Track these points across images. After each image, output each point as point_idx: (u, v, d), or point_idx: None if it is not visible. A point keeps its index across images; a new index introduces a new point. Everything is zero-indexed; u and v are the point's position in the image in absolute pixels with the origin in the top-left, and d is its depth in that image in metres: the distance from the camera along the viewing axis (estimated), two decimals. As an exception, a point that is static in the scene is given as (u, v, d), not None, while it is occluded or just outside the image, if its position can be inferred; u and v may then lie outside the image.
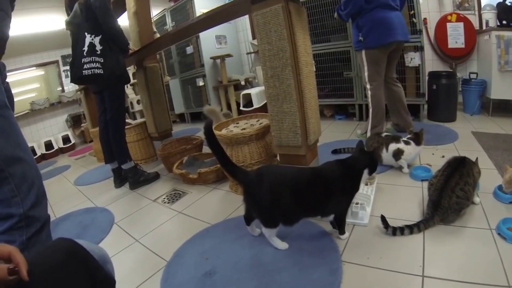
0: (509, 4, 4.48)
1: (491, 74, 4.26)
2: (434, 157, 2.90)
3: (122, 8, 3.95)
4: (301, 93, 1.97)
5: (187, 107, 6.42)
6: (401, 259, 1.60)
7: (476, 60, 4.95)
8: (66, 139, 7.06)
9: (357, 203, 1.97)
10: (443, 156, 2.91)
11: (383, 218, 1.78)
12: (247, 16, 6.37)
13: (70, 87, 7.27)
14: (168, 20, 6.25)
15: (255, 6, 1.92)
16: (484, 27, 4.71)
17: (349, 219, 1.91)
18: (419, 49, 4.03)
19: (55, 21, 5.43)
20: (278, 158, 2.42)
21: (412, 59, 4.06)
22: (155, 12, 6.31)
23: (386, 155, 2.66)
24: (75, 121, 7.37)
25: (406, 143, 2.60)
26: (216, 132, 2.44)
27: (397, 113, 3.65)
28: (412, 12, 3.99)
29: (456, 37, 4.81)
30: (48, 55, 7.06)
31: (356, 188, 1.74)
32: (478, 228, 1.78)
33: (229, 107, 5.49)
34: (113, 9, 2.98)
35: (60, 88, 7.43)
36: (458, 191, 1.77)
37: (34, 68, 6.93)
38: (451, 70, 4.56)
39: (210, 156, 3.24)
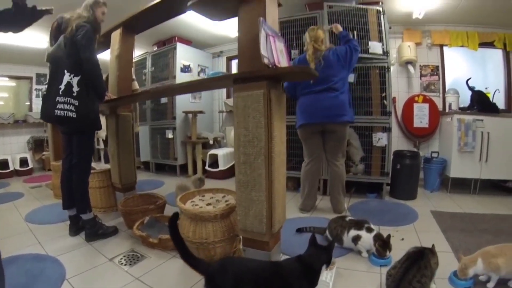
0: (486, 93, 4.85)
1: (451, 154, 4.53)
2: (394, 240, 2.88)
3: (106, 45, 3.92)
4: (271, 183, 1.96)
5: (153, 156, 6.28)
6: None
7: (438, 139, 5.27)
8: (23, 162, 6.65)
9: None
10: (402, 239, 2.96)
11: None
12: None
13: (39, 107, 7.06)
14: (148, 63, 6.28)
15: (236, 86, 1.96)
16: (447, 109, 5.04)
17: None
18: (387, 130, 4.20)
19: (37, 38, 5.29)
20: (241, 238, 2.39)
21: (379, 139, 4.21)
22: (137, 53, 6.41)
23: (347, 239, 2.67)
24: (37, 145, 7.05)
25: (368, 230, 2.61)
26: (181, 206, 2.41)
27: (331, 193, 3.70)
28: (384, 94, 4.21)
29: (421, 117, 5.12)
30: (24, 69, 6.93)
31: (315, 284, 1.74)
32: None
33: (195, 164, 5.45)
34: (98, 44, 2.97)
35: (28, 104, 7.25)
36: (415, 283, 1.81)
37: (7, 78, 6.80)
38: (415, 150, 4.80)
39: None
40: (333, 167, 3.50)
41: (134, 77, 4.23)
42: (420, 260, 1.92)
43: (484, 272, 2.09)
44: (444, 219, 3.54)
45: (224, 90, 6.67)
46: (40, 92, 7.18)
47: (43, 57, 3.53)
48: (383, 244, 2.45)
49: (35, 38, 5.26)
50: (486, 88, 5.10)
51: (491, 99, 4.84)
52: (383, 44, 4.23)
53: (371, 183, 4.35)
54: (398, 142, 5.28)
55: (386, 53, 4.22)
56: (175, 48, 5.80)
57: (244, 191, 2.00)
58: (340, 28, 3.65)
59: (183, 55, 5.86)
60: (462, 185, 4.68)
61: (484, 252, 2.11)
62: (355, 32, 4.24)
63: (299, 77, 2.57)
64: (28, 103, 7.24)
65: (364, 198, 4.34)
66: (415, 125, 5.18)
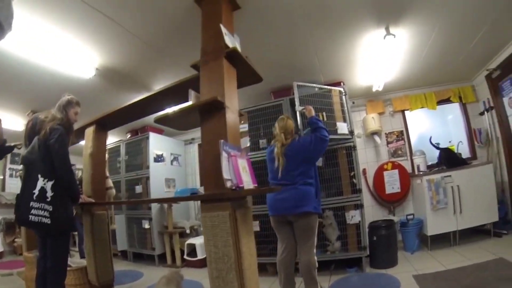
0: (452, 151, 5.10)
1: (426, 213, 4.64)
2: None
3: (82, 138, 3.97)
4: None
5: (131, 245, 6.08)
6: None
7: (411, 200, 5.40)
8: (-7, 244, 6.22)
9: None
10: None
11: None
12: (197, 161, 6.76)
13: (12, 187, 6.95)
14: (122, 151, 6.33)
15: (204, 206, 2.08)
16: (416, 171, 5.22)
17: None
18: (360, 206, 4.29)
19: (12, 120, 5.29)
20: None
21: (353, 217, 4.28)
22: (111, 140, 6.50)
23: None
24: (8, 227, 6.72)
25: None
26: None
27: (304, 281, 3.52)
28: (352, 173, 4.35)
29: (392, 183, 5.31)
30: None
31: None
32: None
33: (173, 253, 5.34)
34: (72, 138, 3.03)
35: (2, 177, 7.10)
36: None
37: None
38: (390, 218, 4.88)
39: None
40: (301, 256, 3.40)
41: (107, 174, 4.26)
42: None
43: None
44: (427, 282, 3.53)
45: (197, 177, 6.73)
46: (14, 172, 7.14)
47: (18, 138, 3.57)
48: None
49: (10, 120, 5.27)
50: (449, 142, 5.41)
51: (456, 151, 5.12)
52: (348, 124, 4.44)
53: (350, 258, 4.34)
54: (372, 210, 5.38)
55: (351, 132, 4.43)
56: (147, 138, 5.93)
57: None
58: (313, 112, 3.65)
59: (156, 144, 5.98)
60: (442, 239, 4.75)
61: None
62: (324, 113, 4.42)
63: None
64: (2, 177, 7.11)
65: (344, 273, 4.28)
66: (387, 192, 5.34)
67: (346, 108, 4.49)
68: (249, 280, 2.05)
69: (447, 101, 5.61)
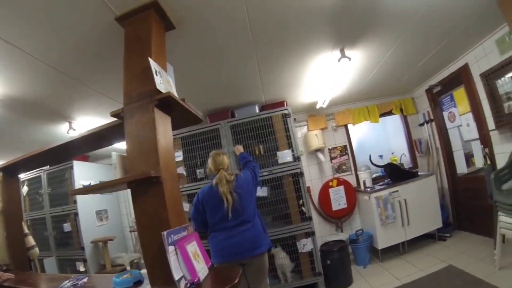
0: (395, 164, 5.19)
1: (375, 228, 4.67)
2: None
3: None
4: None
5: None
6: None
7: (358, 214, 5.40)
8: None
9: None
10: None
11: None
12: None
13: None
14: (44, 183, 5.45)
15: None
16: (362, 186, 5.18)
17: None
18: (311, 234, 4.13)
19: None
20: None
21: (304, 245, 4.12)
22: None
23: None
24: None
25: None
26: None
27: None
28: (301, 201, 4.13)
29: (338, 200, 5.21)
30: None
31: None
32: None
33: None
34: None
35: None
36: None
37: None
38: (341, 240, 4.73)
39: None
40: None
41: (26, 231, 3.64)
42: None
43: None
44: None
45: (131, 204, 5.97)
46: None
47: None
48: None
49: None
50: (392, 153, 5.55)
51: (399, 161, 5.30)
52: (293, 151, 4.18)
53: (306, 285, 4.21)
54: (320, 227, 5.25)
55: (297, 158, 4.17)
56: (71, 167, 5.18)
57: None
58: (241, 149, 3.52)
59: (82, 173, 5.25)
60: (391, 249, 4.86)
61: None
62: (260, 146, 4.20)
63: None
64: None
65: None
66: (334, 208, 5.25)
67: (291, 132, 4.22)
68: None
69: (389, 113, 5.71)
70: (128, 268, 4.92)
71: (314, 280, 4.19)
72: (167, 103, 1.87)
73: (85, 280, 1.97)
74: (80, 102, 3.63)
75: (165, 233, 1.58)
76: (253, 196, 3.05)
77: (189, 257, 1.67)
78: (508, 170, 3.43)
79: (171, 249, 1.58)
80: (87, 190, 2.04)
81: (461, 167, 4.91)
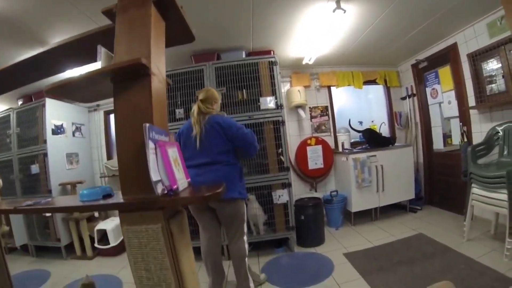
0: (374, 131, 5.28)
1: (350, 191, 4.72)
2: None
3: None
4: None
5: (31, 237, 5.01)
6: None
7: (333, 176, 5.44)
8: None
9: None
10: None
11: None
12: (103, 131, 5.84)
13: None
14: (13, 123, 5.13)
15: (124, 216, 1.43)
16: (340, 148, 5.22)
17: None
18: (287, 185, 4.06)
19: None
20: None
21: (280, 196, 4.05)
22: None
23: None
24: None
25: None
26: None
27: (234, 271, 3.27)
28: (280, 150, 4.06)
29: (315, 159, 5.21)
30: None
31: None
32: None
33: (82, 242, 4.55)
34: None
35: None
36: None
37: None
38: (317, 197, 4.77)
39: None
40: (230, 246, 3.12)
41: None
42: None
43: None
44: (359, 261, 3.60)
45: (104, 149, 5.85)
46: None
47: None
48: None
49: None
50: (372, 121, 5.63)
51: (378, 131, 5.35)
52: (276, 98, 4.07)
53: (279, 239, 4.19)
54: (294, 186, 5.15)
55: (280, 106, 4.07)
56: (43, 105, 4.90)
57: None
58: None
59: (54, 112, 4.98)
60: (364, 215, 4.94)
61: None
62: (244, 91, 4.12)
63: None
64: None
65: (272, 254, 4.14)
66: (310, 167, 5.24)
67: (276, 80, 4.10)
68: None
69: (373, 82, 5.73)
70: (96, 214, 4.78)
71: (287, 234, 4.15)
72: (165, 4, 1.69)
73: (49, 199, 1.82)
74: (58, 22, 3.23)
75: (147, 125, 1.39)
76: (228, 141, 2.88)
77: (170, 161, 1.51)
78: (484, 146, 3.57)
79: (151, 145, 1.40)
80: (63, 84, 1.69)
81: (438, 144, 5.03)
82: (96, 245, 4.33)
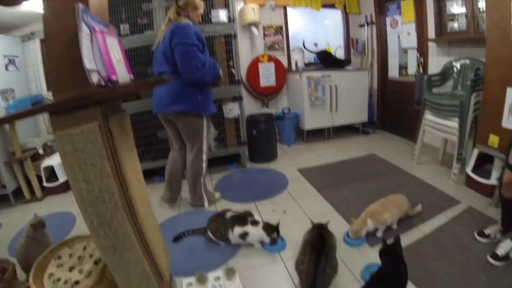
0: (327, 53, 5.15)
1: (303, 109, 4.71)
2: (277, 215, 2.81)
3: None
4: (143, 235, 1.43)
5: None
6: None
7: (286, 94, 5.39)
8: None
9: None
10: (284, 212, 2.92)
11: None
12: (40, 62, 5.11)
13: None
14: None
15: (55, 121, 1.20)
16: (293, 67, 5.12)
17: None
18: (238, 99, 3.92)
19: None
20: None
21: (230, 110, 3.91)
22: None
23: (234, 237, 2.42)
24: None
25: (254, 223, 2.39)
26: None
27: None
28: (231, 63, 3.85)
29: (267, 76, 5.08)
30: None
31: None
32: (349, 285, 1.97)
33: (29, 184, 4.05)
34: None
35: None
36: (328, 270, 1.85)
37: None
38: (269, 112, 4.72)
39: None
40: (187, 161, 3.08)
41: None
42: (324, 246, 1.92)
43: (374, 227, 2.38)
44: (313, 176, 3.67)
45: (43, 80, 5.13)
46: None
47: None
48: (277, 234, 2.38)
49: None
50: (328, 44, 5.52)
51: (334, 55, 5.22)
52: (229, 11, 3.76)
53: (231, 155, 4.13)
54: (246, 103, 4.93)
55: (232, 19, 3.78)
56: None
57: (113, 255, 1.40)
58: None
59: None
60: (316, 134, 5.04)
61: (371, 212, 2.41)
62: None
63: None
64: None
65: (224, 171, 4.11)
66: (262, 84, 5.11)
67: (229, -8, 3.75)
68: (144, 216, 1.46)
69: (332, 6, 5.50)
70: (41, 151, 4.40)
71: (239, 150, 4.11)
72: None
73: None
74: None
75: (80, 5, 1.13)
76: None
77: (108, 50, 1.28)
78: (440, 77, 3.60)
79: (85, 29, 1.16)
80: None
81: (393, 72, 5.02)
82: (44, 184, 4.04)
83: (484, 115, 2.82)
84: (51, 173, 4.09)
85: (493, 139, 2.66)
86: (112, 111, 1.31)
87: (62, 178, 3.99)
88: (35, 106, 1.29)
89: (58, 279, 1.65)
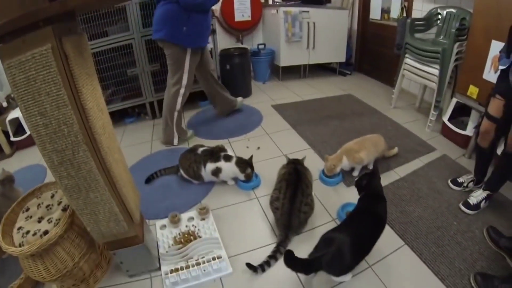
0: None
1: (279, 45, 4.51)
2: (251, 151, 2.76)
3: None
4: (109, 172, 1.29)
5: None
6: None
7: (261, 30, 5.13)
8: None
9: (213, 258, 1.73)
10: (258, 148, 2.91)
11: (249, 265, 1.68)
12: None
13: None
14: None
15: (5, 48, 1.02)
16: (270, 1, 4.91)
17: (212, 276, 1.69)
18: (211, 31, 3.62)
19: None
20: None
21: None
22: None
23: (206, 174, 2.35)
24: None
25: (226, 159, 2.32)
26: (11, 250, 1.43)
27: None
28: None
29: (243, 11, 4.78)
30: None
31: None
32: (325, 224, 1.98)
33: None
34: None
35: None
36: (304, 208, 1.83)
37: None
38: (242, 47, 4.49)
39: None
40: (166, 89, 2.99)
41: None
42: (300, 182, 1.90)
43: (350, 166, 2.38)
44: (288, 112, 3.62)
45: None
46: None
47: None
48: (251, 169, 2.34)
49: None
50: None
51: None
52: None
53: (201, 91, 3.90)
54: (219, 38, 4.77)
55: None
56: None
57: (78, 196, 1.29)
58: None
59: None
60: (292, 71, 4.90)
61: (347, 150, 2.37)
62: None
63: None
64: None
65: (197, 108, 3.98)
66: (236, 19, 4.82)
67: None
68: (109, 149, 1.31)
69: None
70: (5, 104, 4.02)
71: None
72: None
73: None
74: None
75: None
76: None
77: None
78: (424, 23, 3.44)
79: None
80: None
81: (375, 15, 4.73)
82: (12, 138, 3.74)
83: (466, 66, 2.74)
84: (18, 126, 3.79)
85: (473, 90, 2.61)
86: (67, 30, 1.12)
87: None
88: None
89: (27, 232, 1.54)
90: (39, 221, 1.60)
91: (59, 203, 1.69)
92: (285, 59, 4.65)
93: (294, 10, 4.39)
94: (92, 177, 1.23)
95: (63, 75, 1.04)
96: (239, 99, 3.64)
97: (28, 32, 0.99)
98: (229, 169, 2.31)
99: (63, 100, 1.06)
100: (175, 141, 3.08)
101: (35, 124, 1.09)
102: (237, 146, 2.94)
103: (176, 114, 2.96)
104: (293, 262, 1.37)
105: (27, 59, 1.00)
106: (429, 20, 3.44)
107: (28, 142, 3.72)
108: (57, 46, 1.01)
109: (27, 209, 1.72)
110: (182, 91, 2.89)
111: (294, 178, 1.92)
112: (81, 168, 1.20)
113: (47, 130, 1.10)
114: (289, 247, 1.78)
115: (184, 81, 2.85)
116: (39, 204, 1.74)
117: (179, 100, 2.91)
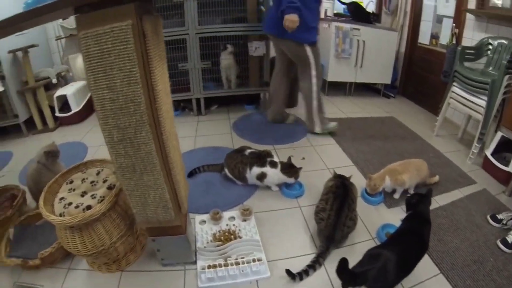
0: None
1: (328, 60, 4.51)
2: (295, 160, 2.70)
3: None
4: (166, 158, 1.31)
5: None
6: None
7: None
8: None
9: (253, 260, 1.74)
10: (303, 158, 2.92)
11: (288, 272, 1.66)
12: None
13: None
14: None
15: (81, 18, 1.04)
16: (323, 15, 4.85)
17: (249, 277, 1.69)
18: (265, 38, 3.72)
19: None
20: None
21: (256, 48, 3.74)
22: None
23: (251, 177, 2.38)
24: None
25: (272, 165, 2.33)
26: (52, 218, 1.46)
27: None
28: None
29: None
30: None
31: None
32: (364, 241, 1.96)
33: (41, 114, 3.92)
34: None
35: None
36: (348, 222, 1.84)
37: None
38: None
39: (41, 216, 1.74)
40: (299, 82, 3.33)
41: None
42: (346, 196, 1.91)
43: (391, 187, 2.36)
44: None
45: None
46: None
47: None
48: (295, 175, 2.36)
49: None
50: None
51: (365, 8, 4.99)
52: None
53: (251, 95, 4.00)
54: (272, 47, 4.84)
55: None
56: None
57: (132, 177, 1.29)
58: None
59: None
60: (337, 87, 4.89)
61: (391, 170, 2.36)
62: None
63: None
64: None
65: (243, 111, 4.03)
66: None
67: None
68: (169, 135, 1.31)
69: None
70: (54, 81, 4.19)
71: (259, 90, 4.04)
72: None
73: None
74: None
75: None
76: None
77: None
78: (474, 52, 3.33)
79: None
80: None
81: (424, 39, 4.61)
82: (57, 114, 3.90)
83: (515, 100, 2.64)
84: (64, 104, 3.96)
85: (520, 125, 2.52)
86: (147, 10, 1.15)
87: (75, 107, 3.88)
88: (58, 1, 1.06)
89: (70, 203, 1.57)
90: (82, 195, 1.65)
91: (105, 181, 1.73)
92: (333, 75, 4.64)
93: (346, 26, 4.40)
94: (149, 160, 1.24)
95: (139, 53, 1.06)
96: (292, 117, 3.70)
97: (110, 6, 1.01)
98: (274, 175, 2.32)
99: (135, 77, 1.07)
100: (317, 129, 3.31)
101: (102, 98, 1.11)
102: (282, 154, 2.96)
103: (314, 102, 3.24)
104: (344, 270, 1.36)
105: (105, 32, 1.01)
106: (479, 50, 3.33)
107: (72, 120, 3.91)
108: (137, 24, 1.03)
109: (71, 182, 1.77)
110: (314, 80, 3.17)
111: (341, 191, 1.92)
112: (141, 149, 1.21)
113: (113, 105, 1.11)
114: (328, 260, 1.78)
115: (313, 72, 3.14)
116: (83, 179, 1.78)
117: (314, 89, 3.19)
